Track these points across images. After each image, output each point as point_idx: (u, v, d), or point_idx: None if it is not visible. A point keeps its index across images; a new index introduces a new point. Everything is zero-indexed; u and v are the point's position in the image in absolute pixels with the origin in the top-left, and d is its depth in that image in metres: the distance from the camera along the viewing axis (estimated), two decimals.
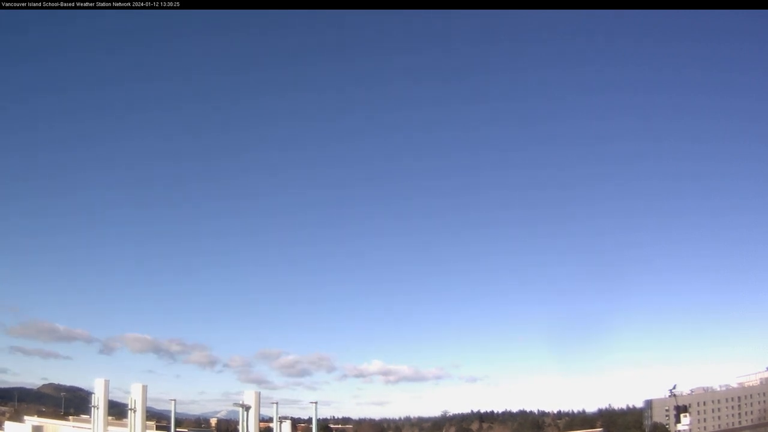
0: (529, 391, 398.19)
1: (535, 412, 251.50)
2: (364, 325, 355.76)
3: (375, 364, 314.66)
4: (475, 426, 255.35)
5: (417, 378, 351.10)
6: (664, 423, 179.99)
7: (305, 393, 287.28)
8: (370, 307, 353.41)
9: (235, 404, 51.65)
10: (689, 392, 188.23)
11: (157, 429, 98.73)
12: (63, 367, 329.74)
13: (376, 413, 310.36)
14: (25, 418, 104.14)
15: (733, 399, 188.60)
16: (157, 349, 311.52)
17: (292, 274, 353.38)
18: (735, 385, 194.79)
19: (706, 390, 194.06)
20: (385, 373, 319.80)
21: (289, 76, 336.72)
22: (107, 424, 61.29)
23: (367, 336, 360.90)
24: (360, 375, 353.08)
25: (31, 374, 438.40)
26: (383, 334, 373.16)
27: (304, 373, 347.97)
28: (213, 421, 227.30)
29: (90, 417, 64.07)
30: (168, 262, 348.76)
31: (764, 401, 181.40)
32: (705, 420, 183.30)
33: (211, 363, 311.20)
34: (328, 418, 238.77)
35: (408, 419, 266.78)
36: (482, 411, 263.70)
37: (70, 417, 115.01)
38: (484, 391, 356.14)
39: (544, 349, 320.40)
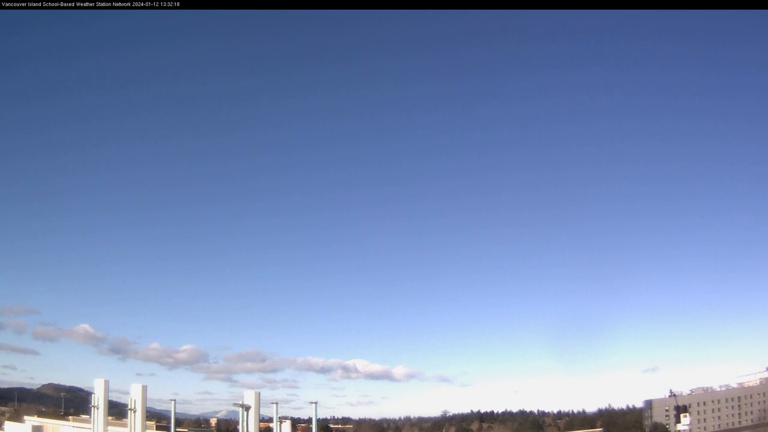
0: (529, 391, 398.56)
1: (535, 412, 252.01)
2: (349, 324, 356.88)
3: (359, 363, 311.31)
4: (475, 426, 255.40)
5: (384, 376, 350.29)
6: (664, 423, 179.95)
7: (281, 391, 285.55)
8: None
9: (235, 404, 51.75)
10: (689, 392, 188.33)
11: (157, 429, 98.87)
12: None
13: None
14: (25, 418, 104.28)
15: (733, 399, 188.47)
16: (98, 343, 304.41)
17: (252, 273, 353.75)
18: (735, 385, 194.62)
19: (706, 390, 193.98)
20: (346, 369, 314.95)
21: (285, 77, 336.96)
22: (107, 424, 61.24)
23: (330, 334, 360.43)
24: (323, 371, 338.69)
25: None
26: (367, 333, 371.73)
27: (267, 369, 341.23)
28: (213, 421, 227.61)
29: (90, 417, 64.05)
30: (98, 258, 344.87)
31: (764, 401, 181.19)
32: (705, 420, 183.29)
33: (161, 357, 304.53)
34: (328, 418, 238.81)
35: (408, 419, 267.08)
36: (482, 411, 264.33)
37: (70, 417, 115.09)
38: (454, 390, 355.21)
39: (544, 349, 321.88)
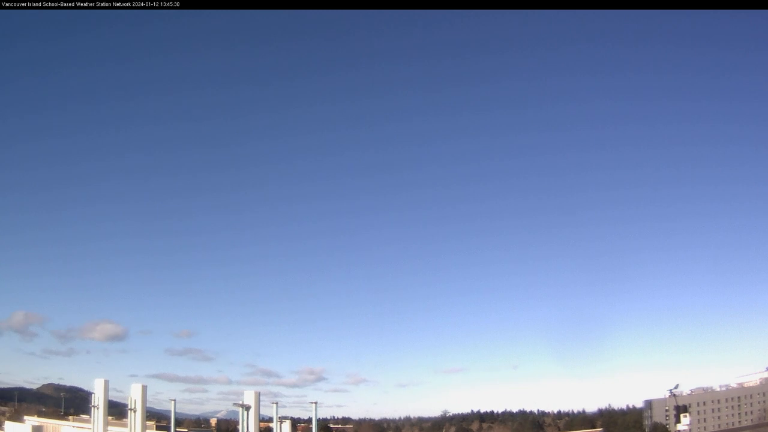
0: (529, 391, 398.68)
1: (535, 412, 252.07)
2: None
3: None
4: (475, 426, 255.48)
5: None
6: (664, 423, 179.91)
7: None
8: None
9: (235, 404, 51.77)
10: (689, 392, 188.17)
11: (157, 429, 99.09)
12: None
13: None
14: (25, 418, 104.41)
15: (733, 399, 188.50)
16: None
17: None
18: (735, 385, 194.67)
19: (705, 390, 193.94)
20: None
21: (286, 81, 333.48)
22: (107, 424, 61.26)
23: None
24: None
25: None
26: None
27: None
28: (213, 421, 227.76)
29: (90, 417, 64.08)
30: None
31: (764, 401, 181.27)
32: (705, 420, 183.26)
33: None
34: (328, 418, 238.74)
35: (408, 419, 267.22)
36: (482, 411, 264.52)
37: (70, 417, 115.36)
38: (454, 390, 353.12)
39: (545, 349, 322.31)
